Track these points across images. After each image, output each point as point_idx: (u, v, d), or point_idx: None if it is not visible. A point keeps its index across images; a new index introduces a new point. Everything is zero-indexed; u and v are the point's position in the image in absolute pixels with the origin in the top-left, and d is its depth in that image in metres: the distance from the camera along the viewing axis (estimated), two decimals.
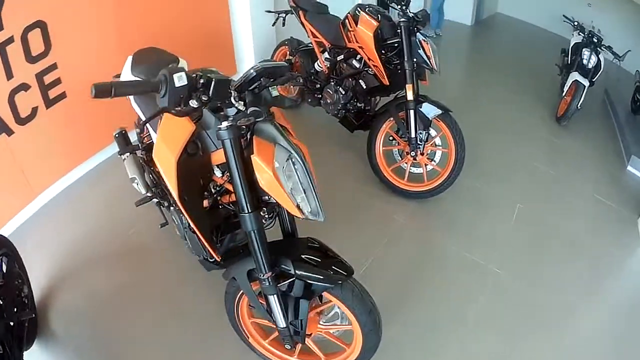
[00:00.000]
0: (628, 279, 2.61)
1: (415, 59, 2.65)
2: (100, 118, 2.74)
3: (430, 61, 2.63)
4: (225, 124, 1.26)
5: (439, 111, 2.64)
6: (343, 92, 3.01)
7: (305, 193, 1.36)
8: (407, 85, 2.63)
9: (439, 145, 2.83)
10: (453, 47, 6.23)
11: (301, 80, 2.12)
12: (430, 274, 2.40)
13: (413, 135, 2.68)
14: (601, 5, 6.37)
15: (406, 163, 2.87)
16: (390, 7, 2.85)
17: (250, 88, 1.29)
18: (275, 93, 1.36)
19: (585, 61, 4.24)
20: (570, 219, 2.91)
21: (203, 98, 1.18)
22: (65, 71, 2.60)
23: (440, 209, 2.86)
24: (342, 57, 3.04)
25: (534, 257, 2.57)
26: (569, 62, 4.58)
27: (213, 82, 1.18)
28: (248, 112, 1.26)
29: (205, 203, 1.54)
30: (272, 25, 3.70)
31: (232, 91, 1.24)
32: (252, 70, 1.26)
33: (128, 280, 2.30)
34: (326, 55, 3.21)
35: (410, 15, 2.63)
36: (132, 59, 2.07)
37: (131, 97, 1.93)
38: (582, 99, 4.02)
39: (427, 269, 2.43)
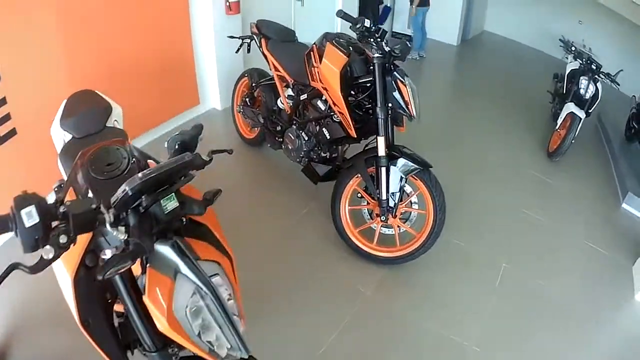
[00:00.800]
0: (623, 340, 2.31)
1: (390, 104, 2.25)
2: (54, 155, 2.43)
3: (408, 107, 2.21)
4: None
5: (416, 168, 2.24)
6: (305, 138, 2.61)
7: (221, 329, 1.08)
8: (378, 138, 2.26)
9: (415, 205, 2.44)
10: (437, 69, 5.92)
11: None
12: (401, 357, 2.05)
13: (384, 197, 2.28)
14: (592, 22, 6.14)
15: (376, 224, 2.46)
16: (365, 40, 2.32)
17: (133, 206, 0.96)
18: (171, 205, 1.01)
19: (582, 91, 3.89)
20: (560, 277, 2.60)
21: (61, 240, 0.87)
22: (15, 106, 2.41)
23: (414, 276, 2.48)
24: (305, 96, 2.63)
25: (518, 329, 2.25)
26: (564, 90, 4.25)
27: (71, 215, 0.89)
28: (129, 247, 0.94)
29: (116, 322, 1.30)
30: (236, 52, 3.34)
31: (105, 215, 0.92)
32: (125, 187, 0.93)
33: None
34: (289, 92, 2.84)
35: (386, 49, 2.21)
36: (63, 106, 1.79)
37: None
38: (577, 132, 3.68)
39: (396, 352, 2.07)
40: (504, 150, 3.94)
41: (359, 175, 2.39)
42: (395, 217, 2.37)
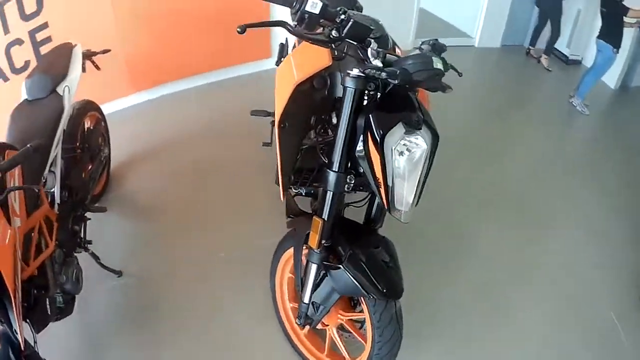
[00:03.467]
0: None
1: (353, 172, 1.31)
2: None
3: (380, 190, 1.22)
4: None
5: (362, 293, 1.35)
6: None
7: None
8: (314, 218, 1.35)
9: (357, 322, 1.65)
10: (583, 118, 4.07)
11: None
12: None
13: (305, 299, 1.48)
14: None
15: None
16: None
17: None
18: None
19: None
20: None
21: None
22: (55, 31, 2.81)
23: None
24: None
25: None
26: None
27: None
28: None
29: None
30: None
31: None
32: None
33: (197, 185, 2.73)
34: None
35: (374, 63, 1.18)
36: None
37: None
38: None
39: None
40: None
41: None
42: (314, 326, 1.62)
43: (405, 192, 1.24)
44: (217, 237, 2.37)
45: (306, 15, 1.09)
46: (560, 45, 5.15)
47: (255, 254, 1.98)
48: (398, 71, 1.12)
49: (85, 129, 2.27)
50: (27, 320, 1.39)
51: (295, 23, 1.13)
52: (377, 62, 1.18)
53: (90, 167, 2.25)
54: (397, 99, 1.24)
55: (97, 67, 2.33)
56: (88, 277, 2.01)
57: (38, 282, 1.53)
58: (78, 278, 1.78)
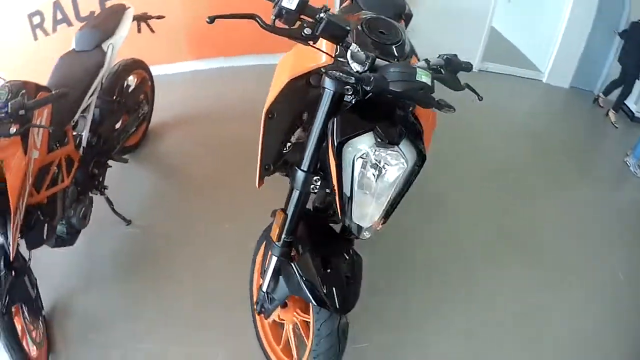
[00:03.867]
0: None
1: (321, 174, 1.29)
2: None
3: (339, 209, 1.24)
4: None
5: (308, 297, 1.32)
6: None
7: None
8: (277, 214, 1.38)
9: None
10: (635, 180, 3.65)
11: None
12: None
13: (264, 287, 1.48)
14: None
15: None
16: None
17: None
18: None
19: None
20: None
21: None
22: None
23: None
24: None
25: None
26: None
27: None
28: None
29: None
30: None
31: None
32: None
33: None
34: None
35: (351, 67, 1.13)
36: None
37: None
38: None
39: None
40: None
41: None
42: (267, 317, 1.63)
43: (369, 209, 1.20)
44: (228, 210, 2.47)
45: (283, 11, 1.08)
46: (628, 100, 4.78)
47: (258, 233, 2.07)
48: (372, 77, 1.06)
49: (128, 86, 2.47)
50: (23, 238, 1.59)
51: (274, 17, 1.11)
52: (356, 66, 1.13)
53: (124, 120, 2.45)
54: (378, 108, 1.18)
55: (152, 30, 2.52)
56: (99, 219, 2.23)
57: (45, 209, 1.72)
58: (86, 215, 1.98)
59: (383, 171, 1.16)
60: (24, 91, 1.50)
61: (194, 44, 3.57)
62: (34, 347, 1.63)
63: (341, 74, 1.09)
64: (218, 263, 2.17)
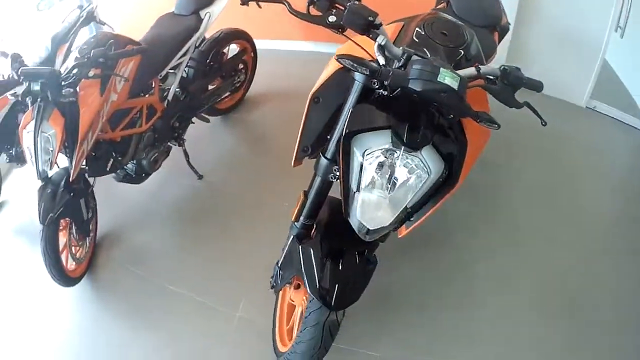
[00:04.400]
0: None
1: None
2: None
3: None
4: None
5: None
6: None
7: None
8: (300, 195, 1.43)
9: None
10: None
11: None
12: None
13: (279, 263, 1.56)
14: None
15: None
16: None
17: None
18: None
19: None
20: None
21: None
22: None
23: None
24: None
25: None
26: None
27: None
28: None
29: None
30: None
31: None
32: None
33: None
34: None
35: (381, 61, 1.11)
36: None
37: None
38: None
39: None
40: None
41: None
42: (276, 293, 1.67)
43: (378, 212, 1.13)
44: (294, 190, 2.44)
45: None
46: None
47: None
48: (391, 72, 1.01)
49: (226, 53, 2.66)
50: (87, 166, 1.85)
51: (308, 4, 1.13)
52: (381, 59, 1.09)
53: (218, 84, 2.65)
54: (407, 106, 1.10)
55: (259, 6, 2.64)
56: (173, 168, 2.48)
57: (117, 147, 1.98)
58: (157, 161, 2.21)
59: (396, 175, 1.08)
60: (112, 41, 1.72)
61: (305, 25, 3.62)
62: (73, 262, 1.91)
63: (353, 63, 1.06)
64: (269, 235, 2.19)
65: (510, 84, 1.08)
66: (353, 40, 1.21)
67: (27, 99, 1.64)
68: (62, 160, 1.78)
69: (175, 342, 1.79)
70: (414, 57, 1.08)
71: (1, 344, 1.84)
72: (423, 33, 1.34)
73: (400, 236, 1.34)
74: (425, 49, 1.25)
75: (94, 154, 1.86)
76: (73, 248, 1.91)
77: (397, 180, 1.09)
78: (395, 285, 1.92)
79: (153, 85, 2.11)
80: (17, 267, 2.15)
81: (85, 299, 1.99)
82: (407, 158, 1.09)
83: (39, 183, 1.76)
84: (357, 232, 1.21)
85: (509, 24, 2.08)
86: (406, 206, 1.14)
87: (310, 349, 1.38)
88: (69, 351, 1.82)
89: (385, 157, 1.09)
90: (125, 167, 2.09)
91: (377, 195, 1.11)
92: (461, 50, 1.33)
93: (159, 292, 1.95)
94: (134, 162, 2.10)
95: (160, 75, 2.12)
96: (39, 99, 1.61)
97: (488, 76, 1.14)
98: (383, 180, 1.09)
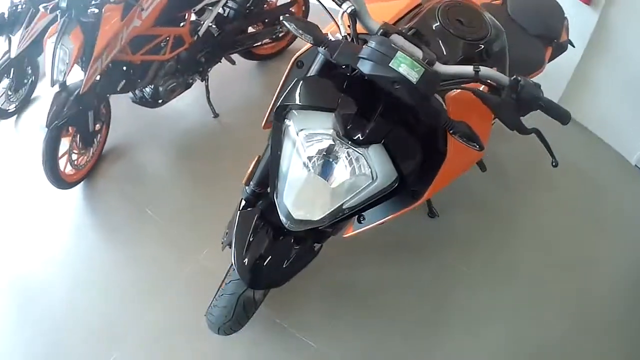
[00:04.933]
0: None
1: None
2: None
3: None
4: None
5: None
6: None
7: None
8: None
9: None
10: None
11: None
12: None
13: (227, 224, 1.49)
14: None
15: None
16: None
17: None
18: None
19: None
20: None
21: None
22: None
23: None
24: None
25: None
26: None
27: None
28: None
29: None
30: None
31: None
32: None
33: None
34: None
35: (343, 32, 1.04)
36: None
37: None
38: None
39: None
40: None
41: None
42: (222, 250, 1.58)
43: (306, 200, 1.01)
44: None
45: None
46: None
47: None
48: (340, 45, 0.89)
49: (273, 2, 2.61)
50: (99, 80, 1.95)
51: None
52: (344, 29, 1.00)
53: (258, 29, 2.62)
54: (368, 93, 0.94)
55: None
56: (192, 102, 2.53)
57: (135, 69, 2.04)
58: (174, 91, 2.27)
59: (332, 165, 0.95)
60: None
61: None
62: (72, 168, 2.07)
63: (297, 27, 0.93)
64: None
65: (519, 101, 0.87)
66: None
67: (57, 12, 1.74)
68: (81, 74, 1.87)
69: (134, 266, 1.89)
70: (396, 37, 0.90)
71: None
72: (434, 17, 1.11)
73: (345, 236, 1.27)
74: (425, 34, 1.06)
75: (107, 72, 1.95)
76: (74, 155, 2.06)
77: (330, 173, 0.96)
78: (361, 285, 1.83)
79: (186, 17, 2.12)
80: (30, 160, 2.29)
81: (72, 204, 2.14)
82: (345, 152, 0.94)
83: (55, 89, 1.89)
84: (280, 215, 1.09)
85: (570, 42, 1.80)
86: (341, 204, 1.01)
87: (222, 317, 1.38)
88: (42, 241, 1.98)
89: (321, 142, 0.95)
90: (143, 90, 2.17)
91: (307, 181, 0.98)
92: (481, 45, 1.11)
93: (138, 213, 2.07)
94: (152, 87, 2.18)
95: (194, 10, 2.13)
96: (65, 15, 1.71)
97: (489, 82, 0.95)
98: (314, 169, 0.96)
